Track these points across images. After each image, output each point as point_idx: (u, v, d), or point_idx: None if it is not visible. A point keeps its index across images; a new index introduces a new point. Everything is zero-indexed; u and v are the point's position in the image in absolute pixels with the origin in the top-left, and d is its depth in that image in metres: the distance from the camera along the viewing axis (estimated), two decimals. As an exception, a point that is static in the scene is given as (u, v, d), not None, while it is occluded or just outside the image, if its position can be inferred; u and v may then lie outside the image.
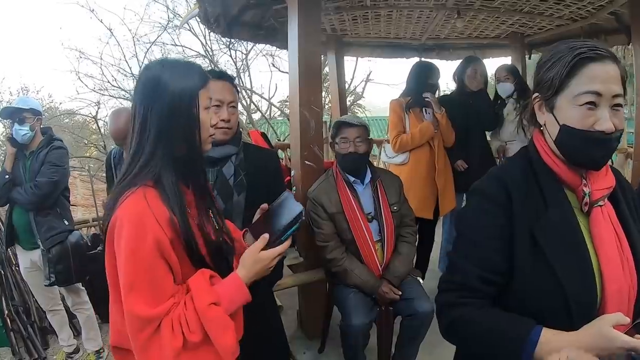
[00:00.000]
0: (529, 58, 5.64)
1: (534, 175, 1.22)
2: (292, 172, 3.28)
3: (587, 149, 1.14)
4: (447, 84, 14.13)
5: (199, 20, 4.32)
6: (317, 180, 2.89)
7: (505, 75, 3.98)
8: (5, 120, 3.33)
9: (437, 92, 4.04)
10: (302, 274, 3.21)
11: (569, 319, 1.08)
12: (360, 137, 2.70)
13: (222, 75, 2.07)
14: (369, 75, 13.89)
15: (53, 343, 4.13)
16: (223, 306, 1.20)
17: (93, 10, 12.26)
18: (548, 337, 1.03)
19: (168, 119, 1.22)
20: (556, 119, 1.18)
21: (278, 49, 11.57)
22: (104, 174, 4.34)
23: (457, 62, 4.24)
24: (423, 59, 4.93)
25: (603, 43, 1.19)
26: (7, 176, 3.31)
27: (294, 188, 3.26)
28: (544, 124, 1.24)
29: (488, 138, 4.22)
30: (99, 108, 14.14)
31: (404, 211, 2.89)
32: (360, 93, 14.92)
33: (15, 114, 3.27)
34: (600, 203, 1.19)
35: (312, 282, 3.14)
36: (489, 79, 4.23)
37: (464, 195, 4.17)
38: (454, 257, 1.27)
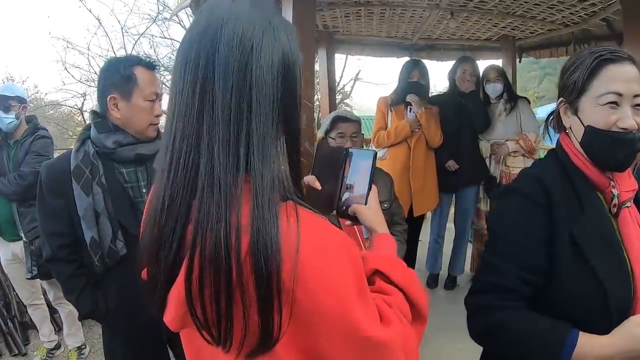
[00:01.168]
0: (519, 61, 5.66)
1: (567, 177, 1.23)
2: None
3: (611, 149, 1.17)
4: (434, 86, 14.17)
5: (190, 12, 4.23)
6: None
7: (496, 76, 4.01)
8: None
9: (428, 91, 4.08)
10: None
11: (607, 319, 1.09)
12: (357, 133, 2.67)
13: (154, 65, 1.95)
14: (358, 74, 13.87)
15: (34, 338, 4.06)
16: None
17: (82, -1, 12.07)
18: (584, 341, 1.06)
19: None
20: (580, 121, 1.22)
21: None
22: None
23: (447, 63, 4.26)
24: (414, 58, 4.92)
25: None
26: None
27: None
28: (570, 127, 1.27)
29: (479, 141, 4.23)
30: (84, 100, 14.00)
31: (394, 209, 2.86)
32: (349, 92, 14.89)
33: (0, 102, 3.19)
34: (628, 204, 1.23)
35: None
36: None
37: (453, 195, 4.28)
38: (490, 258, 1.23)
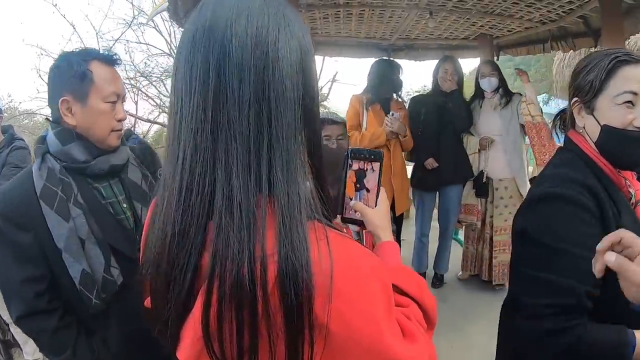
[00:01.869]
0: (497, 59, 5.69)
1: (598, 180, 1.24)
2: None
3: (628, 147, 1.22)
4: (410, 85, 14.27)
5: (167, 15, 4.15)
6: None
7: (491, 70, 4.07)
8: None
9: (400, 89, 4.16)
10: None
11: None
12: (342, 135, 2.64)
13: (113, 60, 1.59)
14: (335, 75, 13.85)
15: (17, 357, 3.92)
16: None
17: (56, 5, 11.81)
18: (639, 337, 1.09)
19: None
20: (597, 120, 1.26)
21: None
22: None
23: (426, 62, 4.29)
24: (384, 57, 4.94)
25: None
26: None
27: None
28: (584, 127, 1.31)
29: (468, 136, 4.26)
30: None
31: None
32: (326, 94, 14.88)
33: None
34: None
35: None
36: (465, 77, 4.28)
37: (437, 194, 4.30)
38: (545, 275, 1.16)
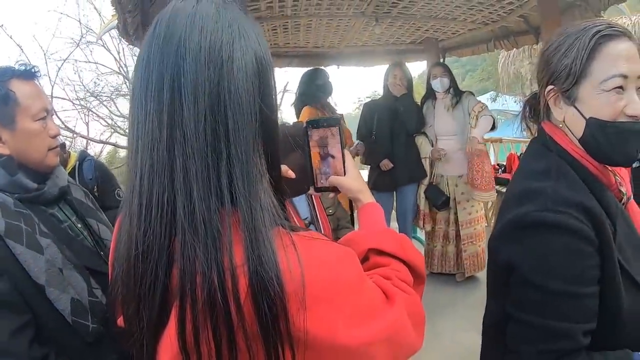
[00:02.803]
0: (443, 61, 5.83)
1: (585, 184, 1.04)
2: None
3: (622, 143, 1.00)
4: (362, 91, 14.43)
5: (116, 33, 4.06)
6: None
7: (442, 71, 4.18)
8: None
9: (330, 92, 4.25)
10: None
11: None
12: None
13: (33, 74, 1.44)
14: (286, 85, 13.86)
15: None
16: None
17: (2, 25, 11.38)
18: None
19: None
20: (580, 112, 1.04)
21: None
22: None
23: (375, 68, 4.36)
24: (322, 67, 4.99)
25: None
26: None
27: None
28: (563, 120, 1.08)
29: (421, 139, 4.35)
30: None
31: (340, 214, 2.88)
32: (279, 105, 14.91)
33: None
34: (631, 198, 1.11)
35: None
36: (414, 80, 4.39)
37: (394, 193, 4.35)
38: (542, 322, 0.96)
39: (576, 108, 1.04)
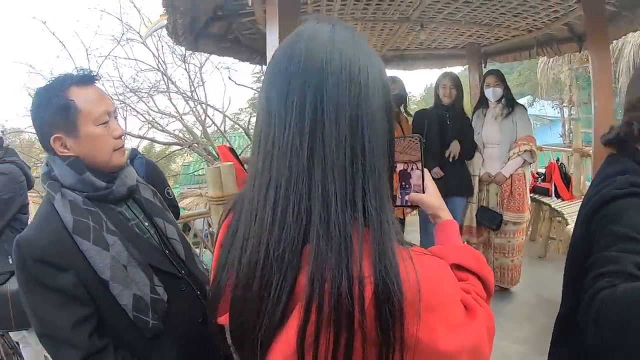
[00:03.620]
0: (485, 67, 5.85)
1: None
2: None
3: None
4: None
5: (166, 31, 4.22)
6: None
7: (495, 81, 4.16)
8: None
9: (405, 101, 4.37)
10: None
11: None
12: None
13: (92, 78, 1.47)
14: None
15: None
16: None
17: (45, 22, 11.79)
18: None
19: None
20: None
21: (235, 62, 11.59)
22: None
23: (416, 72, 4.45)
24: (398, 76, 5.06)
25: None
26: None
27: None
28: None
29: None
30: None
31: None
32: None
33: None
34: None
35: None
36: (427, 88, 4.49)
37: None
38: (606, 254, 1.11)
39: None
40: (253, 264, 0.74)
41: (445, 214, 1.04)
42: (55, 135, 1.39)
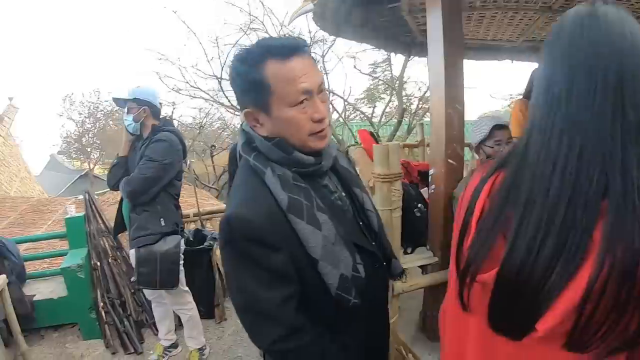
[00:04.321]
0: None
1: None
2: (432, 171, 3.24)
3: None
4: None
5: (276, 20, 4.29)
6: (464, 180, 2.97)
7: None
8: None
9: None
10: (437, 273, 3.15)
11: None
12: (510, 137, 2.72)
13: (295, 48, 1.28)
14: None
15: (148, 337, 4.12)
16: None
17: (176, 11, 12.73)
18: None
19: None
20: None
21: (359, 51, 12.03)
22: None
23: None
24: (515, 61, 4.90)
25: None
26: (116, 161, 3.30)
27: (432, 187, 3.23)
28: None
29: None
30: (174, 108, 14.73)
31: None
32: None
33: (120, 104, 3.26)
34: None
35: (445, 282, 3.05)
36: None
37: None
38: None
39: None
40: (551, 215, 0.81)
41: None
42: (247, 108, 1.34)
